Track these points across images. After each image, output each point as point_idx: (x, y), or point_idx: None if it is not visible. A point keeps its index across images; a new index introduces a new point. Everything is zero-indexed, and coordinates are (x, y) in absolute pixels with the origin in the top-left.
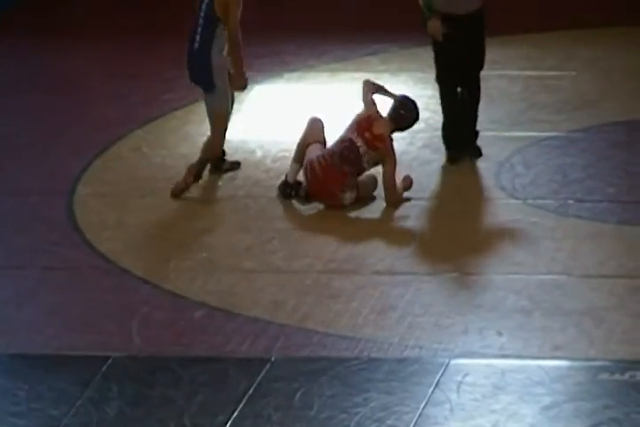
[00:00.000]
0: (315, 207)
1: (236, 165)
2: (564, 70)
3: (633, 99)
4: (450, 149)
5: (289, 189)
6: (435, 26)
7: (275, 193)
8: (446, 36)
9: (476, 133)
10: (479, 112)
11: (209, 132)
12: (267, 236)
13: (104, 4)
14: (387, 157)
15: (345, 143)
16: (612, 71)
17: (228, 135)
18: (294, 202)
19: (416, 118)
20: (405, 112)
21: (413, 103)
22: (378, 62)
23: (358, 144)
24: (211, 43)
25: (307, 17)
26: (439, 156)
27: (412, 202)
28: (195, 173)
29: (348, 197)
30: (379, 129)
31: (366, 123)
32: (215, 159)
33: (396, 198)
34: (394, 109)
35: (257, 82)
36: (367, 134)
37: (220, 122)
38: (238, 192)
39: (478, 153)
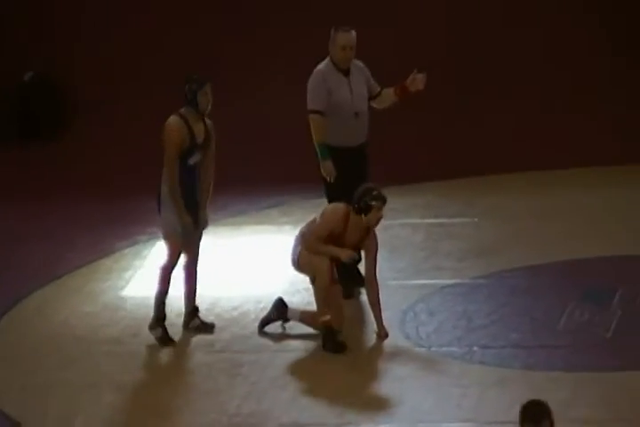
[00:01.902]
0: (221, 359)
1: (209, 327)
2: (466, 217)
3: (533, 244)
4: (345, 287)
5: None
6: (329, 167)
7: (177, 348)
8: (337, 172)
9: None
10: (383, 261)
11: None
12: (173, 391)
13: (5, 167)
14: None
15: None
16: (513, 217)
17: (132, 292)
18: (202, 354)
19: None
20: None
21: None
22: (279, 214)
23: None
24: (162, 173)
25: None
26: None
27: (316, 352)
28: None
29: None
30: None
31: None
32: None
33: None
34: None
35: (158, 237)
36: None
37: (166, 245)
38: (142, 348)
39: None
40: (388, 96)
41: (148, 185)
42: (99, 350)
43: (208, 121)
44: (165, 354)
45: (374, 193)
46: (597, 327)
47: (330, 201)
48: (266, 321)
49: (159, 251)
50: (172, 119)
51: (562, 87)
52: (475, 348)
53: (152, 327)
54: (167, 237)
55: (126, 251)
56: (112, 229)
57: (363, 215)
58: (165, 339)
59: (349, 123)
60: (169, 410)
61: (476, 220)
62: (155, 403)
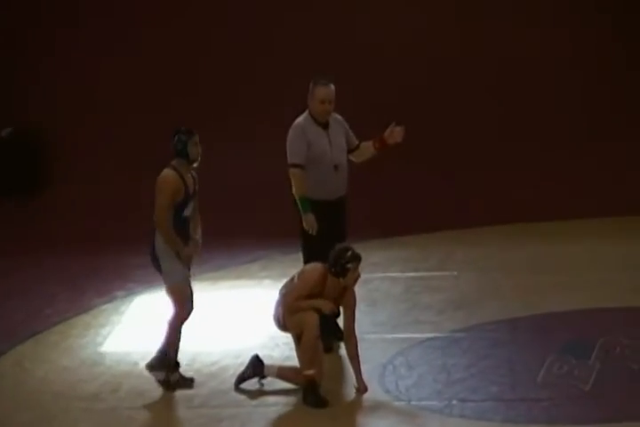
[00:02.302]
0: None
1: (188, 382)
2: (445, 270)
3: (512, 297)
4: (324, 341)
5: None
6: (311, 219)
7: (157, 404)
8: (318, 225)
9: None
10: (362, 314)
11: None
12: None
13: None
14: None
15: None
16: (491, 270)
17: (110, 347)
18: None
19: None
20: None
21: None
22: (259, 269)
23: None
24: (154, 230)
25: None
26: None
27: (295, 406)
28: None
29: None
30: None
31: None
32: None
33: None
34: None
35: (136, 293)
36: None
37: (174, 297)
38: (121, 404)
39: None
40: (367, 149)
41: (126, 241)
42: (77, 406)
43: (193, 172)
44: (144, 410)
45: (348, 255)
46: (577, 380)
47: (306, 255)
48: (241, 379)
49: (136, 306)
50: (168, 172)
51: (546, 139)
52: (454, 401)
53: (159, 369)
54: (173, 289)
55: (104, 307)
56: (90, 284)
57: (340, 278)
58: (182, 383)
59: (329, 176)
60: None
61: (455, 273)
62: None
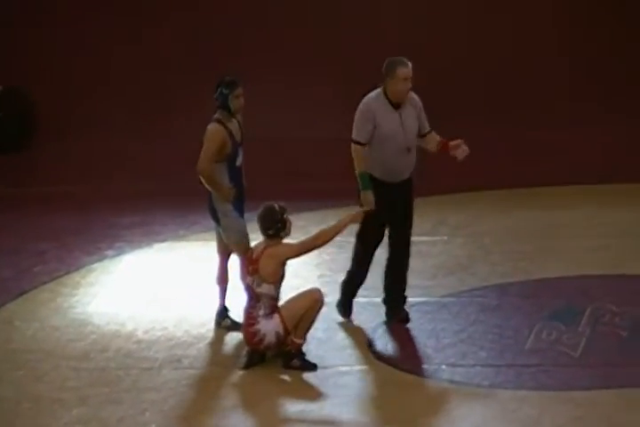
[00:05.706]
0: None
1: (239, 327)
2: (436, 236)
3: (502, 262)
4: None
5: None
6: (370, 197)
7: (145, 364)
8: (376, 204)
9: (404, 298)
10: None
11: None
12: (139, 407)
13: None
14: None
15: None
16: (482, 235)
17: (99, 307)
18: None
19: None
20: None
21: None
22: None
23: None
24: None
25: (177, 186)
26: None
27: (287, 369)
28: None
29: (264, 327)
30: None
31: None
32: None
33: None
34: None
35: (126, 252)
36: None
37: (237, 252)
38: (110, 364)
39: (407, 318)
40: (432, 142)
41: (115, 200)
42: (66, 365)
43: (238, 116)
44: (133, 370)
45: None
46: (566, 347)
47: (361, 233)
48: None
49: (125, 266)
50: (214, 126)
51: (537, 104)
52: (443, 366)
53: None
54: (236, 243)
55: (94, 266)
56: (79, 243)
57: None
58: (233, 327)
59: (399, 158)
60: (135, 423)
61: (445, 238)
62: (122, 417)
